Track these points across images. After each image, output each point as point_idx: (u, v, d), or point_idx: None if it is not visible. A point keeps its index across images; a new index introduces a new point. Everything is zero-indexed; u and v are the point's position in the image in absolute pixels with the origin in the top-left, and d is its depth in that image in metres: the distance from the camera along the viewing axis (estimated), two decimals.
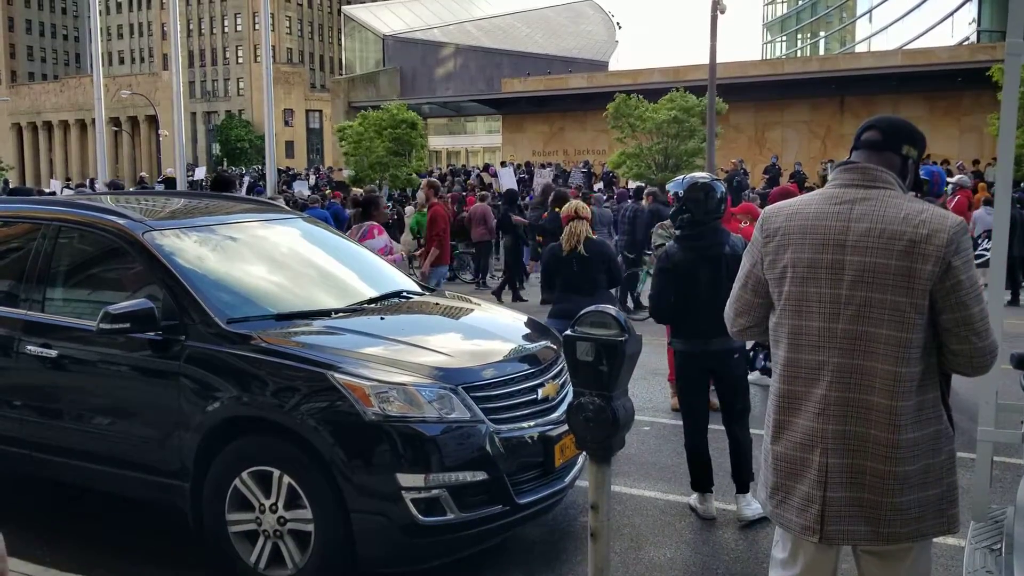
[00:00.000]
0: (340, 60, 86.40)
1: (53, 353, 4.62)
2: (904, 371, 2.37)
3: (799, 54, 75.89)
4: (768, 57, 77.87)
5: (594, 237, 6.40)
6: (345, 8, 72.85)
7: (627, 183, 26.52)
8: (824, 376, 2.43)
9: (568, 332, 2.88)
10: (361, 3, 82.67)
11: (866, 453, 2.40)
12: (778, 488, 2.53)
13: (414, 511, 3.85)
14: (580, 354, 2.83)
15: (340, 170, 33.53)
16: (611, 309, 2.85)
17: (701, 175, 5.36)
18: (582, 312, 2.87)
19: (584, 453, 4.51)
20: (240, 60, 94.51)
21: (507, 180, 22.92)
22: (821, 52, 71.86)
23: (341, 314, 4.71)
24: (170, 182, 24.35)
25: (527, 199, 20.99)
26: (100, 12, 23.04)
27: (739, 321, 2.72)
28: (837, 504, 2.42)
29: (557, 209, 12.55)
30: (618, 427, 2.82)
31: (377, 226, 8.06)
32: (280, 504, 4.01)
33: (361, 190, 19.85)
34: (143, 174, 39.32)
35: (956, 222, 2.38)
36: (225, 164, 63.07)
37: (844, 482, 2.42)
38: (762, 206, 13.34)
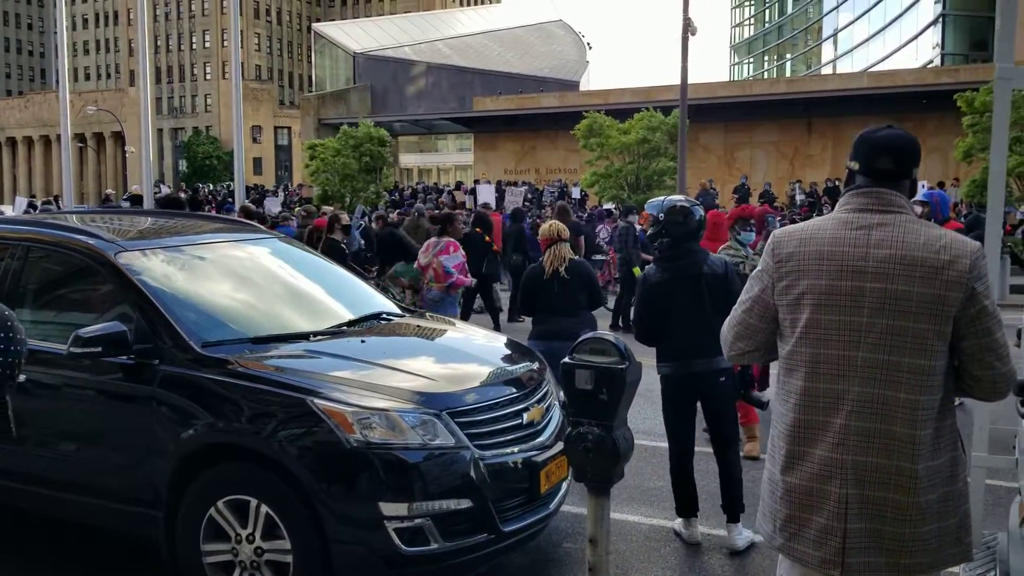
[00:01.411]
0: (310, 77, 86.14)
1: (20, 377, 4.45)
2: (925, 399, 2.33)
3: (766, 75, 76.95)
4: (735, 78, 78.87)
5: (576, 258, 6.35)
6: (315, 25, 72.64)
7: (599, 203, 26.61)
8: (844, 406, 2.38)
9: (566, 360, 2.80)
10: (331, 20, 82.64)
11: (887, 484, 2.34)
12: (791, 520, 2.46)
13: (397, 541, 3.74)
14: (579, 382, 2.74)
15: (310, 187, 33.30)
16: (610, 336, 2.78)
17: (679, 198, 5.33)
18: (580, 339, 2.79)
19: (568, 478, 4.46)
20: (208, 76, 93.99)
21: (486, 197, 22.87)
22: (788, 74, 72.90)
23: (320, 337, 4.60)
24: (136, 199, 24.04)
25: (503, 217, 20.95)
26: (66, 28, 22.76)
27: (738, 345, 2.66)
28: (858, 536, 2.36)
29: (479, 230, 12.61)
30: (619, 458, 2.74)
31: (454, 243, 8.42)
32: (257, 534, 3.88)
33: (332, 208, 19.74)
34: (109, 191, 38.79)
35: (976, 247, 2.36)
36: (183, 182, 62.27)
37: (864, 514, 2.36)
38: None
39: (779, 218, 19.10)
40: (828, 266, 2.41)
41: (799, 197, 28.23)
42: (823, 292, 2.41)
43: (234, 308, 4.80)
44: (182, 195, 18.36)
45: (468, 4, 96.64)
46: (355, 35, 63.30)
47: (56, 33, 22.78)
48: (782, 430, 2.51)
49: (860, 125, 2.59)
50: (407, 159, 55.85)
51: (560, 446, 4.33)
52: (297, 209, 21.65)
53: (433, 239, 8.64)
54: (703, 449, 5.21)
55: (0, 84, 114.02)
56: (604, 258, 15.10)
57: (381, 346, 4.72)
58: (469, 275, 8.60)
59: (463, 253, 8.50)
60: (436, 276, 8.28)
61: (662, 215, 5.01)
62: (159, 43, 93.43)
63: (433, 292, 8.40)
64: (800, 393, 2.45)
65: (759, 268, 2.60)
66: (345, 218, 10.58)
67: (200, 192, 34.48)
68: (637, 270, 12.69)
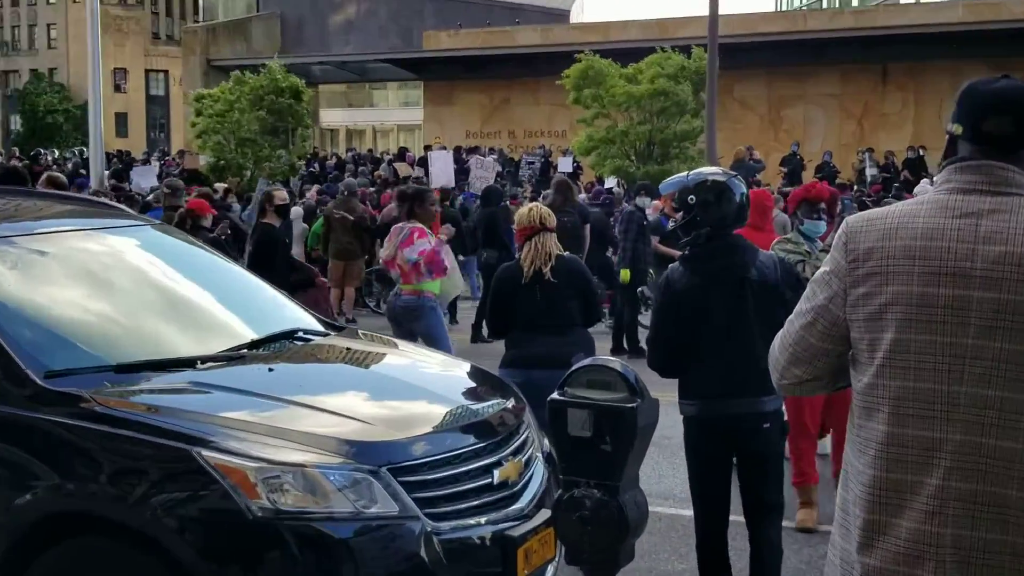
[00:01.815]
0: (195, 2, 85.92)
1: None
2: None
3: (826, 4, 77.76)
4: (784, 9, 79.65)
5: (565, 254, 6.37)
6: None
7: (597, 178, 26.74)
8: (940, 460, 2.40)
9: (555, 396, 2.81)
10: None
11: (999, 568, 2.37)
12: None
13: None
14: (573, 427, 2.76)
15: (195, 155, 33.17)
16: (615, 363, 2.79)
17: (713, 170, 5.36)
18: (574, 367, 2.80)
19: (557, 559, 4.48)
20: None
21: (441, 170, 22.79)
22: (855, 3, 73.71)
23: (210, 364, 4.66)
24: None
25: (461, 197, 21.06)
26: None
27: (793, 372, 2.69)
28: None
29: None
30: (627, 531, 2.75)
31: (419, 229, 8.49)
32: None
33: (225, 185, 19.72)
34: None
35: None
36: (17, 146, 62.01)
37: None
38: (784, 210, 13.54)
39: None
40: (921, 267, 2.43)
41: (870, 172, 28.51)
42: (914, 303, 2.43)
43: (90, 324, 4.84)
44: (16, 164, 18.22)
45: None
46: None
47: None
48: (858, 493, 2.53)
49: (953, 74, 2.63)
50: (331, 116, 55.91)
51: (545, 515, 4.35)
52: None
53: (398, 224, 8.71)
54: (736, 518, 5.24)
55: None
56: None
57: (296, 376, 4.80)
58: (445, 260, 8.50)
59: (432, 241, 8.48)
60: (403, 275, 8.26)
61: (692, 197, 5.03)
62: None
63: (403, 298, 8.33)
64: (882, 442, 2.48)
65: (826, 268, 2.62)
66: (281, 196, 10.57)
67: (42, 160, 34.26)
68: (626, 273, 12.79)
